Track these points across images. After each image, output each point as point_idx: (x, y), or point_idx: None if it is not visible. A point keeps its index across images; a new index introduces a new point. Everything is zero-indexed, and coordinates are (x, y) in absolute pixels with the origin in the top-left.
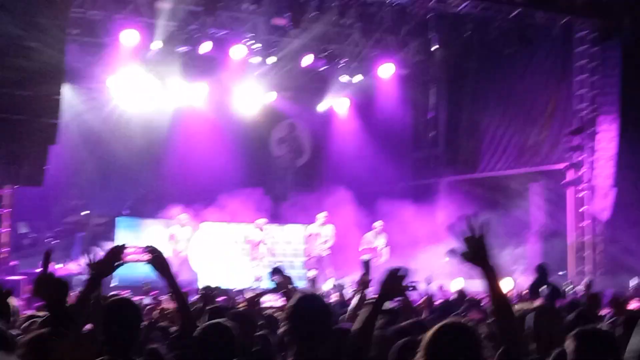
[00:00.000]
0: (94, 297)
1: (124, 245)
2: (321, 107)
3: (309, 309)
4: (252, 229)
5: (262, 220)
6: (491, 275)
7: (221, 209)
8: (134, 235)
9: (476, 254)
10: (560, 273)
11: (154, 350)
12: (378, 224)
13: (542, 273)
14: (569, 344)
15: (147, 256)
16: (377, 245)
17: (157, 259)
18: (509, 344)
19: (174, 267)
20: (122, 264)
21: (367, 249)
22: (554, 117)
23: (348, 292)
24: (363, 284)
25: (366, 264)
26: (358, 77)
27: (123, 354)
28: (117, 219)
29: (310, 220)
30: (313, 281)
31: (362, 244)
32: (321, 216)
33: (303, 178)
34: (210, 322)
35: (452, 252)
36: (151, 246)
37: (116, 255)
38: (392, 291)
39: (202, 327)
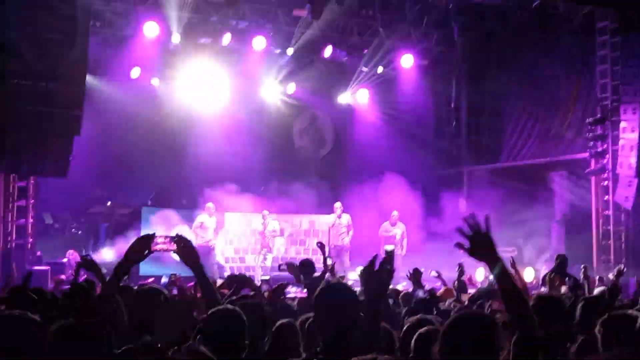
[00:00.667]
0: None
1: (153, 234)
2: (343, 98)
3: (334, 299)
4: (259, 219)
5: (266, 212)
6: (497, 267)
7: (244, 199)
8: (158, 224)
9: (481, 248)
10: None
11: (146, 342)
12: (395, 214)
13: (560, 264)
14: (597, 330)
15: (175, 246)
16: (394, 234)
17: (185, 249)
18: (524, 331)
19: (203, 256)
20: (150, 253)
21: (386, 237)
22: (576, 107)
23: None
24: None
25: (389, 254)
26: (379, 68)
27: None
28: (142, 208)
29: (332, 211)
30: (332, 271)
31: (380, 232)
32: (337, 206)
33: (325, 169)
34: (219, 307)
35: (457, 246)
36: (179, 235)
37: (145, 245)
38: None
39: (210, 312)
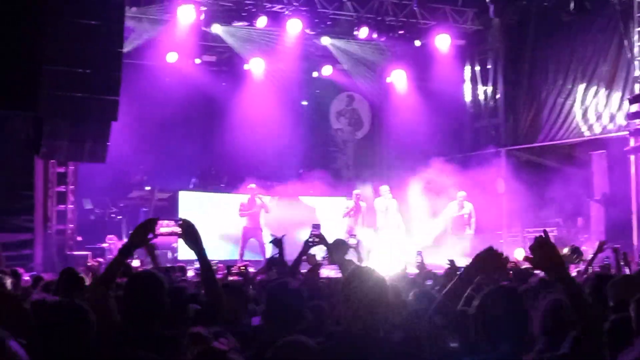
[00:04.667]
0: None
1: (157, 217)
2: (379, 80)
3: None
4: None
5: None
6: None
7: (283, 183)
8: (197, 209)
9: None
10: None
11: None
12: (461, 194)
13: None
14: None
15: (179, 229)
16: (463, 214)
17: (189, 233)
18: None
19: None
20: (155, 237)
21: (455, 218)
22: (614, 85)
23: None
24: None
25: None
26: (415, 49)
27: (145, 327)
28: (180, 193)
29: (376, 193)
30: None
31: (447, 213)
32: (384, 190)
33: (363, 150)
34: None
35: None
36: (184, 219)
37: (149, 228)
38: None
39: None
